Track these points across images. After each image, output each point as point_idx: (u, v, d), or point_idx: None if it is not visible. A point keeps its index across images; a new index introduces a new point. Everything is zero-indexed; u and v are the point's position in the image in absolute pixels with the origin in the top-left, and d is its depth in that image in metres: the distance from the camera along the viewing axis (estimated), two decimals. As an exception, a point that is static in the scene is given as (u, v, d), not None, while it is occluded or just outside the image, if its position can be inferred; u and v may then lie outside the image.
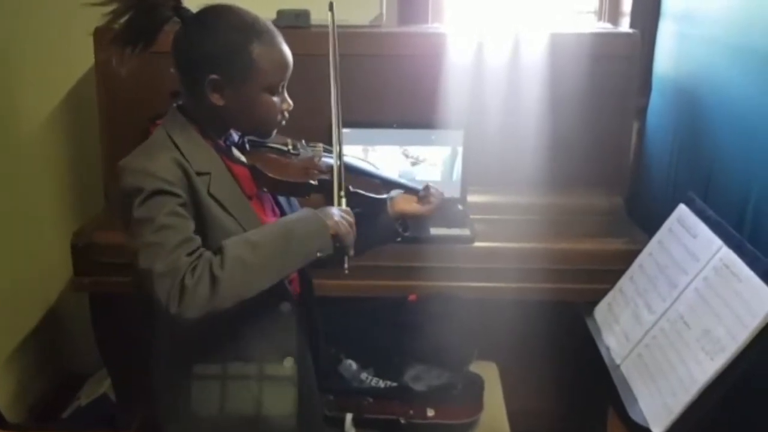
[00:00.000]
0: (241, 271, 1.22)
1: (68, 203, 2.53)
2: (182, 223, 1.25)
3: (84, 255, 1.97)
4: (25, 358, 2.43)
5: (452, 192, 2.11)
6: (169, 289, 1.18)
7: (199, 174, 1.31)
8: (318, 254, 1.30)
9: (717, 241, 1.49)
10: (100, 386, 2.45)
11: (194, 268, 1.20)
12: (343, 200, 1.41)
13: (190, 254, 1.22)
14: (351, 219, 1.37)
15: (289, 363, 1.43)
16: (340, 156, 1.44)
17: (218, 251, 1.24)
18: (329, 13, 1.48)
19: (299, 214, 1.37)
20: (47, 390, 2.55)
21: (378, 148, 2.13)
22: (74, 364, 2.63)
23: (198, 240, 1.26)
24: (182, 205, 1.26)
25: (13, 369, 2.38)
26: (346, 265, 1.37)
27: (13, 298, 2.34)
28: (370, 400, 1.86)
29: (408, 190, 1.59)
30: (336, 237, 1.32)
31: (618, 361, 1.58)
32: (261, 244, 1.26)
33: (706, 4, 2.02)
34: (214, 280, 1.19)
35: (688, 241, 1.58)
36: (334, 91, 1.46)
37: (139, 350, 1.55)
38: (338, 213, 1.35)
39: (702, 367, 1.34)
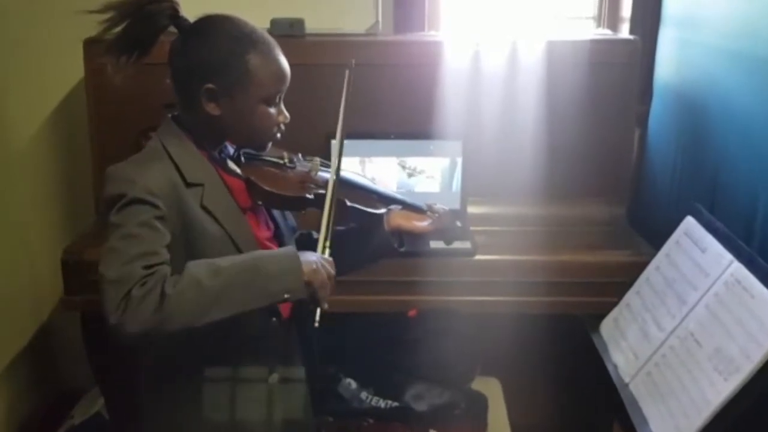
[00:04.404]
0: (194, 294, 1.14)
1: (59, 217, 2.48)
2: (151, 235, 1.19)
3: (75, 272, 1.92)
4: (16, 377, 2.37)
5: (452, 203, 2.06)
6: (115, 297, 1.12)
7: (192, 185, 1.29)
8: (285, 296, 1.21)
9: (727, 256, 1.45)
10: (93, 405, 2.40)
11: (146, 282, 1.13)
12: (328, 250, 1.33)
13: (147, 267, 1.15)
14: (331, 271, 1.28)
15: (274, 380, 1.40)
16: (331, 204, 1.36)
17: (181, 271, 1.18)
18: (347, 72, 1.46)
19: (277, 250, 1.29)
20: (39, 409, 2.50)
21: (375, 159, 2.09)
22: (67, 382, 2.58)
23: (163, 256, 1.19)
24: (159, 218, 1.21)
25: (5, 388, 2.32)
26: (317, 318, 1.27)
27: (3, 316, 2.29)
28: (371, 421, 1.83)
29: (410, 207, 1.56)
30: (310, 285, 1.23)
31: (626, 380, 1.54)
32: (224, 272, 1.17)
33: (707, 10, 1.98)
34: (162, 296, 1.12)
35: (697, 255, 1.54)
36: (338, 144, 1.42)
37: (131, 368, 1.50)
38: (318, 261, 1.26)
39: (715, 388, 1.30)
